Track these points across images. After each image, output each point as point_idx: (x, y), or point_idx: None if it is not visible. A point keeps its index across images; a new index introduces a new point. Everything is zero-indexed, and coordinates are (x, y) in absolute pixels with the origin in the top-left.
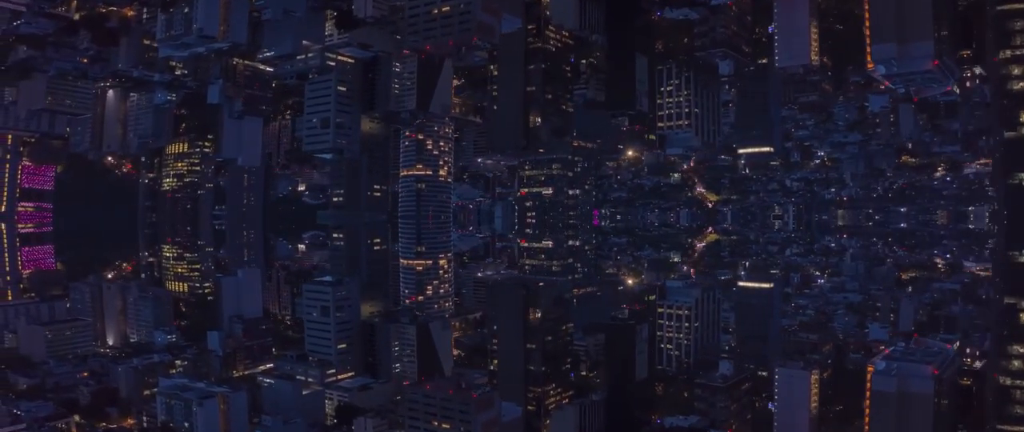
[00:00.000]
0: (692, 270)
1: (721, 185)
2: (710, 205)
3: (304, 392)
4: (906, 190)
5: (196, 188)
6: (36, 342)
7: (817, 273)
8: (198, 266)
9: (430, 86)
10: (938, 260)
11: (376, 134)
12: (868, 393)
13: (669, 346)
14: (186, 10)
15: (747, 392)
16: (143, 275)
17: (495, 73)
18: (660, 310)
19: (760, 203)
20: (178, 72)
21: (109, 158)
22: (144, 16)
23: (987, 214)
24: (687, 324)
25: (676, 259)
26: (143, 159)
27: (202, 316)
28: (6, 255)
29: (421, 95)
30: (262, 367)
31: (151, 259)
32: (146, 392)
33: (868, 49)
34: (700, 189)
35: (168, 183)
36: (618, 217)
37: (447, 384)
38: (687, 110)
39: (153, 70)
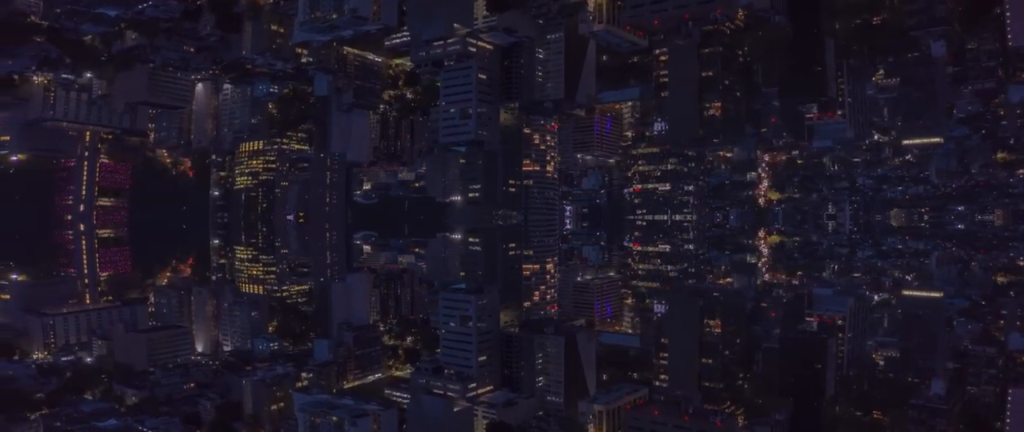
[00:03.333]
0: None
1: (791, 183)
2: (764, 204)
3: (454, 409)
4: (976, 189)
5: (272, 186)
6: (136, 350)
7: (907, 277)
8: (274, 269)
9: (576, 74)
10: (1021, 262)
11: (509, 126)
12: None
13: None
14: None
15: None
16: (214, 278)
17: (663, 59)
18: (808, 319)
19: (816, 202)
20: (304, 60)
21: (166, 157)
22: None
23: None
24: (839, 335)
25: (752, 260)
26: (213, 157)
27: (295, 322)
28: (84, 257)
29: (569, 83)
30: (371, 377)
31: (222, 261)
32: (273, 407)
33: None
34: (763, 187)
35: (242, 181)
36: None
37: (677, 410)
38: (840, 99)
39: (277, 58)
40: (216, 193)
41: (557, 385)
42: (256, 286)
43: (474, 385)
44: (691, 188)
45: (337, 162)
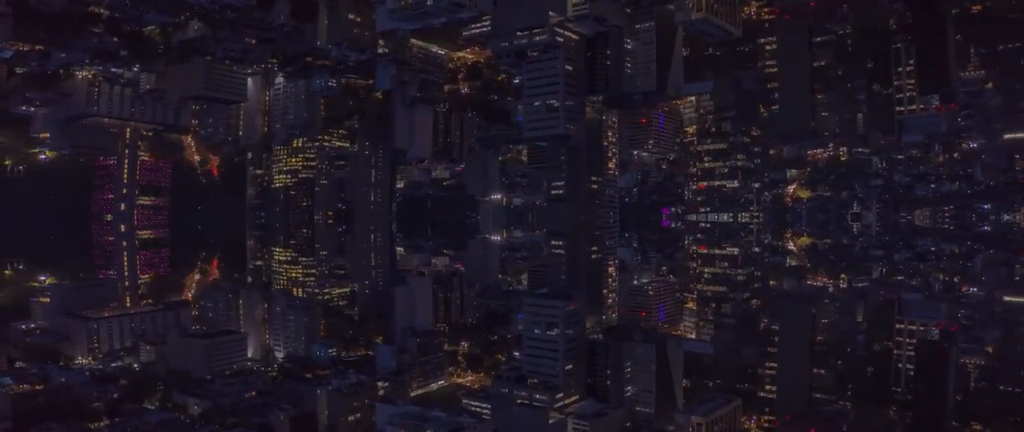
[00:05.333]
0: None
1: (825, 181)
2: (790, 203)
3: (549, 421)
4: (1014, 185)
5: (312, 185)
6: (193, 357)
7: (953, 279)
8: (314, 271)
9: (666, 65)
10: None
11: (591, 120)
12: None
13: (910, 366)
14: None
15: None
16: (250, 279)
17: (769, 48)
18: (899, 326)
19: (843, 201)
20: (381, 51)
21: (194, 155)
22: None
23: None
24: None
25: (793, 263)
26: (249, 155)
27: (342, 325)
28: (125, 259)
29: (660, 75)
30: (434, 385)
31: (258, 262)
32: (350, 417)
33: None
34: (793, 185)
35: (280, 180)
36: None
37: (830, 427)
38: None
39: (353, 49)
40: (252, 191)
41: (647, 395)
42: (297, 289)
43: (561, 395)
44: (758, 186)
45: (382, 159)
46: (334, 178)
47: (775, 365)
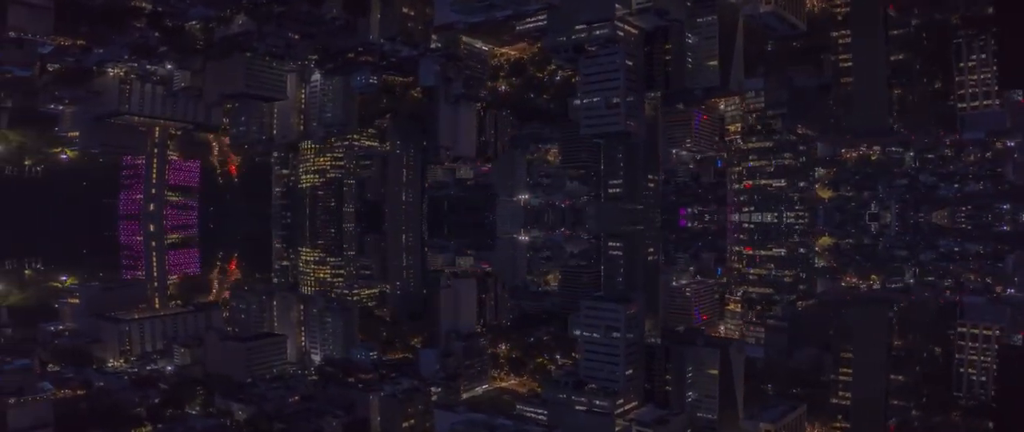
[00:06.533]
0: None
1: (849, 180)
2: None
3: (617, 429)
4: None
5: (340, 185)
6: (234, 360)
7: (986, 280)
8: (342, 271)
9: (728, 60)
10: None
11: (648, 116)
12: None
13: (972, 371)
14: None
15: None
16: (276, 279)
17: (847, 39)
18: (961, 329)
19: (862, 201)
20: (433, 46)
21: (215, 155)
22: None
23: None
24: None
25: (821, 264)
26: (276, 154)
27: (375, 327)
28: (154, 259)
29: (723, 70)
30: (479, 389)
31: (284, 262)
32: (405, 424)
33: None
34: (817, 185)
35: (307, 180)
36: (707, 217)
37: None
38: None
39: (406, 44)
40: (279, 191)
41: (709, 400)
42: (332, 291)
43: (622, 401)
44: (803, 185)
45: (413, 158)
46: (361, 178)
47: (849, 370)
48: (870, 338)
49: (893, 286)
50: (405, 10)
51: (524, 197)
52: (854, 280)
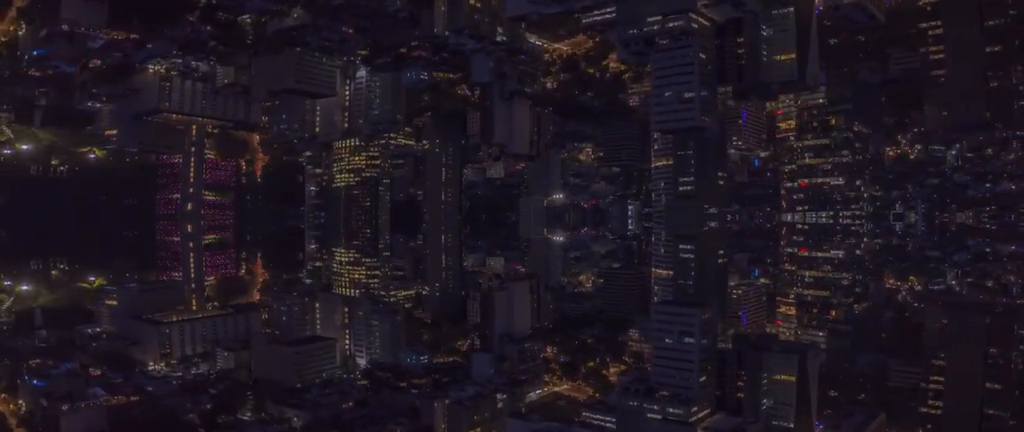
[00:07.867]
0: None
1: (880, 179)
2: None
3: None
4: None
5: (376, 184)
6: (283, 365)
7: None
8: (378, 272)
9: (805, 53)
10: None
11: (721, 111)
12: None
13: None
14: None
15: None
16: (309, 280)
17: (939, 29)
18: None
19: (887, 200)
20: (500, 39)
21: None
22: None
23: None
24: None
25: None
26: (308, 153)
27: (416, 328)
28: (191, 260)
29: (800, 63)
30: (533, 394)
31: (318, 263)
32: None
33: None
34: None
35: (341, 179)
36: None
37: None
38: None
39: (473, 37)
40: (312, 190)
41: (785, 408)
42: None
43: (695, 408)
44: (859, 183)
45: (452, 157)
46: (393, 177)
47: (941, 378)
48: (964, 345)
49: (935, 288)
50: (473, 2)
51: (559, 196)
52: (894, 282)
